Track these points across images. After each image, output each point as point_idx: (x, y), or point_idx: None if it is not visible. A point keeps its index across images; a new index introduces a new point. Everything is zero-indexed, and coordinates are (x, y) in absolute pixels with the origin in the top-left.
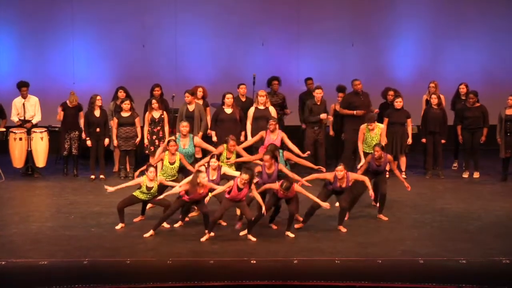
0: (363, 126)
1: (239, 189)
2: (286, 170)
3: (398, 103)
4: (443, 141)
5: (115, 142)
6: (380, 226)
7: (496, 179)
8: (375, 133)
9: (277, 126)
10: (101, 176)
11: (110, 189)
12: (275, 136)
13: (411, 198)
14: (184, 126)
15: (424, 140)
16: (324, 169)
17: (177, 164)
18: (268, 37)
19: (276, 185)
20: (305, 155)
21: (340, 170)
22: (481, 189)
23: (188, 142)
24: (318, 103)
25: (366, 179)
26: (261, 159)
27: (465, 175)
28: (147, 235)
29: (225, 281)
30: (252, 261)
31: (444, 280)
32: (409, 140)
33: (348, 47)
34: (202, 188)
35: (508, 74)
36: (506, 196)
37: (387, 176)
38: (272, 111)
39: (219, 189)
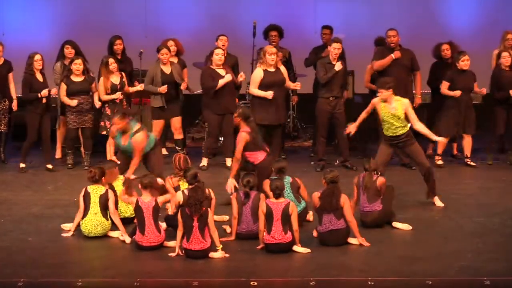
0: (376, 100)
1: None
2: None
3: (466, 63)
4: None
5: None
6: (430, 233)
7: None
8: (395, 109)
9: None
10: (48, 166)
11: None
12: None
13: (473, 194)
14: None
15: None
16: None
17: None
18: None
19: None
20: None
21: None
22: None
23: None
24: (334, 62)
25: None
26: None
27: None
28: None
29: None
30: (252, 283)
31: None
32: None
33: None
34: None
35: None
36: None
37: (440, 162)
38: (284, 72)
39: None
